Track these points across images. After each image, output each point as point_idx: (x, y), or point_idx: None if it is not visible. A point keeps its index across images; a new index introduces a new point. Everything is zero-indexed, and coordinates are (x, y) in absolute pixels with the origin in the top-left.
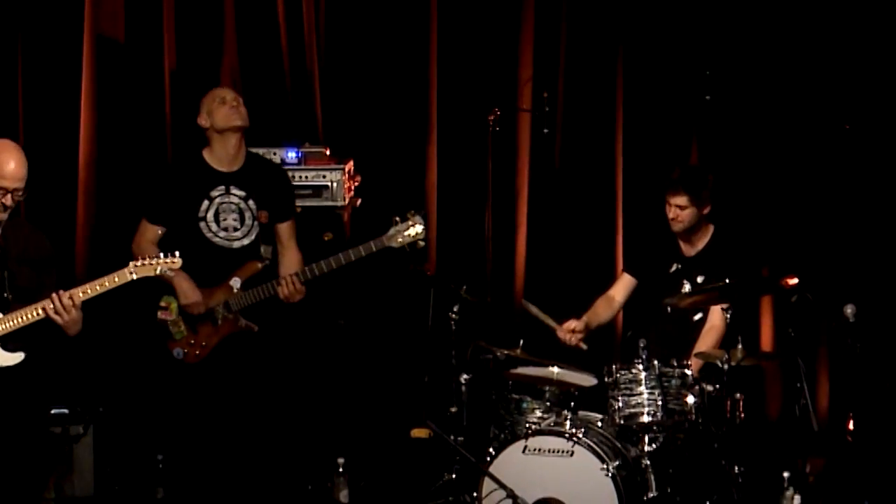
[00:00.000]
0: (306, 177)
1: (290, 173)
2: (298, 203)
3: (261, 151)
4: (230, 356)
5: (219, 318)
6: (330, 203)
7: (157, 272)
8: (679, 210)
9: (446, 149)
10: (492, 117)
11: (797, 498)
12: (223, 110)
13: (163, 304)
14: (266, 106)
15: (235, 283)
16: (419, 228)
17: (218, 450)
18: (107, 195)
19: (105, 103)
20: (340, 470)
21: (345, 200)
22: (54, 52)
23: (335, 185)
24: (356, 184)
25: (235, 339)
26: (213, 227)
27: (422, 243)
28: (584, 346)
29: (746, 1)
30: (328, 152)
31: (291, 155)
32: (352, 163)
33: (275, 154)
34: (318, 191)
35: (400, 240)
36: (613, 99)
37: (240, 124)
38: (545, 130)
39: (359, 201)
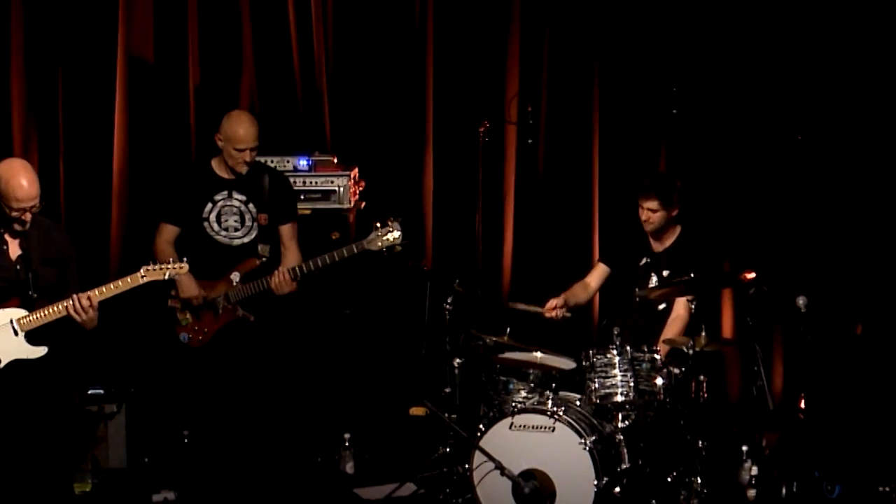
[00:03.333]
0: (316, 182)
1: (301, 179)
2: (309, 206)
3: (275, 159)
4: (230, 342)
5: (219, 307)
6: (337, 206)
7: (166, 277)
8: (651, 213)
9: (441, 157)
10: (482, 129)
11: (754, 469)
12: (236, 156)
13: (173, 293)
14: (280, 119)
15: (235, 276)
16: (397, 234)
17: (229, 427)
18: (138, 200)
19: (136, 117)
20: (346, 444)
21: (350, 203)
22: (91, 72)
23: (342, 189)
24: (361, 188)
25: (235, 327)
26: (215, 226)
27: (399, 247)
28: (569, 315)
29: (708, 26)
30: (335, 160)
31: (303, 163)
32: (357, 170)
33: (288, 162)
34: (326, 195)
35: (379, 244)
36: (590, 113)
37: (244, 172)
38: (529, 141)
39: (363, 204)
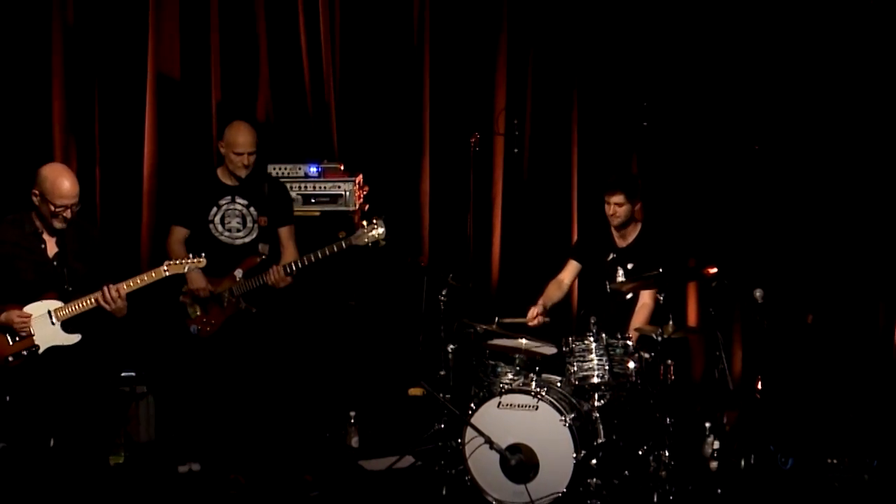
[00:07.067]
0: (325, 187)
1: (311, 184)
2: (318, 208)
3: (288, 167)
4: (235, 332)
5: (224, 300)
6: (343, 208)
7: (186, 270)
8: (617, 207)
9: (436, 165)
10: (473, 139)
11: (716, 443)
12: (236, 160)
13: (184, 289)
14: (292, 130)
15: (238, 273)
16: (381, 230)
17: (244, 408)
18: (166, 204)
19: (164, 129)
20: (352, 421)
21: (355, 206)
22: (123, 89)
23: (348, 193)
24: (365, 192)
25: (239, 318)
26: (220, 228)
27: (383, 242)
28: (548, 319)
29: (677, 49)
30: (342, 167)
31: (313, 170)
32: (361, 176)
33: (300, 169)
34: (334, 198)
35: (365, 240)
36: (570, 125)
37: (244, 175)
38: (515, 150)
39: (367, 206)
